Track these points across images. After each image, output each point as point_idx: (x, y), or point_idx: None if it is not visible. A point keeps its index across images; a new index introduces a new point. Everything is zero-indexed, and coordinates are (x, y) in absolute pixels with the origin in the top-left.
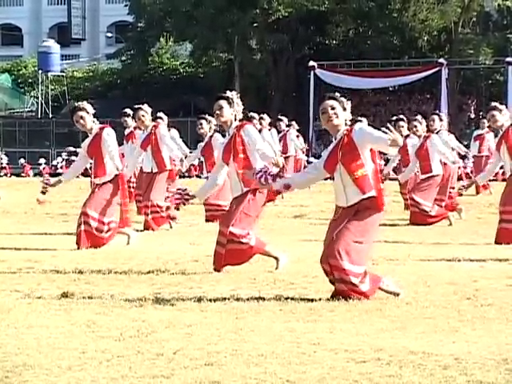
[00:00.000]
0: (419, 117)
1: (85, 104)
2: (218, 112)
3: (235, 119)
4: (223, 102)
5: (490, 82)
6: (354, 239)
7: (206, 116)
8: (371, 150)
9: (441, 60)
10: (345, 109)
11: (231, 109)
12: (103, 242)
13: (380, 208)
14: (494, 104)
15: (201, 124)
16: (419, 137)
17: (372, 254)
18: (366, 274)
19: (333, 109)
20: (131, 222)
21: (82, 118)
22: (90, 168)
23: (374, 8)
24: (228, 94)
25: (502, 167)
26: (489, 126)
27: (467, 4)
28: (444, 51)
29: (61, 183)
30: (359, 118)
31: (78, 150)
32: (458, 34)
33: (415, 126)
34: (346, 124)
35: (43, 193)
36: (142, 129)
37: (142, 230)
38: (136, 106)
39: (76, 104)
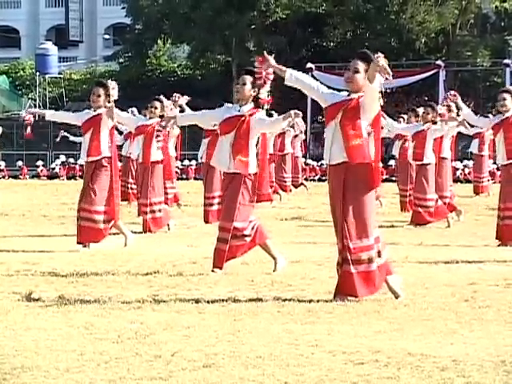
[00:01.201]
0: (438, 106)
1: (112, 85)
2: (238, 87)
3: (253, 100)
4: (248, 79)
5: (487, 83)
6: (355, 217)
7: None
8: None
9: (438, 62)
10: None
11: (253, 88)
12: (104, 235)
13: (373, 184)
14: (508, 87)
15: None
16: (426, 122)
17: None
18: (378, 255)
19: (355, 71)
20: (119, 217)
21: (99, 95)
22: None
23: (372, 10)
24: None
25: (498, 169)
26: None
27: (465, 6)
28: (442, 53)
29: (44, 116)
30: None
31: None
32: (455, 35)
33: (428, 113)
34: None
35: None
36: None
37: (140, 232)
38: (157, 97)
39: (109, 81)
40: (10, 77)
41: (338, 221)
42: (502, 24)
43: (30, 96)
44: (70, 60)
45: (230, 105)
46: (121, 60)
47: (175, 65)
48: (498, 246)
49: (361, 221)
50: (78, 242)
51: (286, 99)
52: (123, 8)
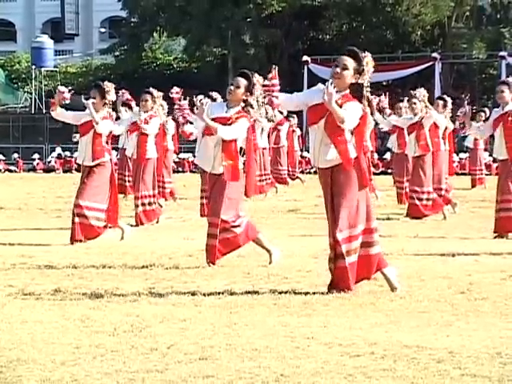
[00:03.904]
0: (419, 94)
1: (107, 86)
2: (232, 88)
3: (242, 103)
4: (242, 82)
5: (483, 76)
6: (345, 208)
7: (212, 93)
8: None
9: (434, 54)
10: (361, 72)
11: (246, 92)
12: (98, 233)
13: (361, 184)
14: (506, 79)
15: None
16: (415, 115)
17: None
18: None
19: (343, 68)
20: (117, 220)
21: (94, 97)
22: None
23: (368, 3)
24: (255, 77)
25: (494, 160)
26: (484, 121)
27: None
28: (437, 45)
29: (54, 110)
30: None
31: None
32: (451, 28)
33: (414, 103)
34: (348, 88)
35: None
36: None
37: (133, 225)
38: (146, 90)
39: (105, 82)
40: (6, 70)
41: (329, 216)
42: (498, 16)
43: (25, 89)
44: (66, 53)
45: (220, 101)
46: (116, 53)
47: (171, 58)
48: (495, 237)
49: (350, 212)
50: (74, 241)
51: (282, 92)
52: (119, 1)
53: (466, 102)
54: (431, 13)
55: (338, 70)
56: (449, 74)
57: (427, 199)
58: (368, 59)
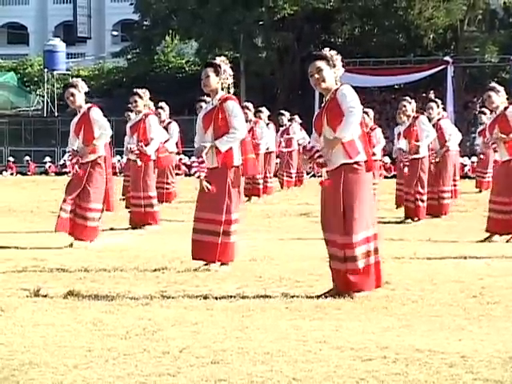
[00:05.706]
0: (408, 98)
1: (78, 81)
2: (203, 81)
3: (222, 89)
4: (210, 70)
5: (495, 79)
6: (354, 211)
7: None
8: None
9: (446, 58)
10: (334, 65)
11: (217, 77)
12: (97, 233)
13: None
14: (492, 84)
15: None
16: (408, 117)
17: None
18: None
19: (319, 71)
20: (116, 207)
21: (72, 94)
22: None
23: (380, 6)
24: (217, 60)
25: None
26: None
27: (473, 2)
28: (450, 49)
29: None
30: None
31: None
32: (463, 31)
33: (404, 106)
34: (336, 83)
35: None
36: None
37: (127, 228)
38: (133, 91)
39: (70, 80)
40: (19, 73)
41: (334, 218)
42: (511, 20)
43: (38, 92)
44: (78, 56)
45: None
46: (129, 56)
47: (183, 61)
48: (507, 241)
49: (356, 217)
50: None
51: (294, 95)
52: (131, 4)
53: (478, 106)
54: (443, 16)
55: (316, 76)
56: (461, 78)
57: (422, 200)
58: (331, 52)
